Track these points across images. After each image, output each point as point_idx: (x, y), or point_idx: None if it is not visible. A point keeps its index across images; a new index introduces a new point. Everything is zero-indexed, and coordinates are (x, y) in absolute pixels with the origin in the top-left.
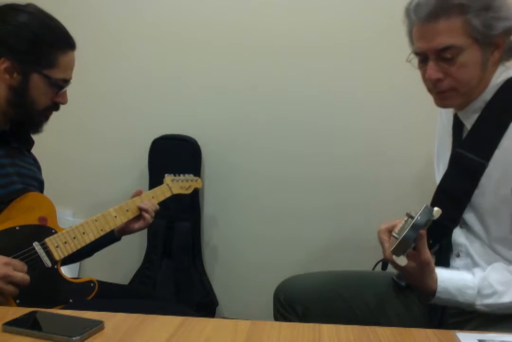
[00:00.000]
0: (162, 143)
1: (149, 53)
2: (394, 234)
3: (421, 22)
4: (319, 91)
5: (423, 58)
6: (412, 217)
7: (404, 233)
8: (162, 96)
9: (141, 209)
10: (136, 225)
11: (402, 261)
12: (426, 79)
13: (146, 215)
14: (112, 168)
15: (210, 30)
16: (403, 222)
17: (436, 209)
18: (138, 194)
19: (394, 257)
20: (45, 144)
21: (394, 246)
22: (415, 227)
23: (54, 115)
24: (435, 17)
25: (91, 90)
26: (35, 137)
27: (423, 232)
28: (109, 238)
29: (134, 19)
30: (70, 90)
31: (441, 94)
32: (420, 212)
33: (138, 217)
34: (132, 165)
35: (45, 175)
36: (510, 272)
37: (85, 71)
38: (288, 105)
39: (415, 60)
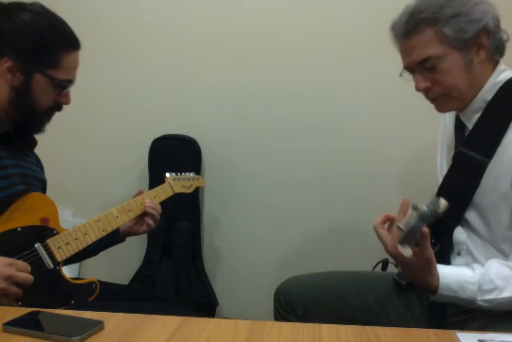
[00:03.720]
0: (162, 143)
1: (149, 53)
2: (399, 225)
3: (399, 40)
4: (319, 91)
5: (411, 71)
6: (417, 209)
7: (412, 224)
8: (162, 96)
9: (147, 207)
10: (142, 228)
11: (407, 252)
12: (417, 90)
13: (152, 212)
14: (112, 168)
15: (210, 30)
16: (408, 214)
17: (443, 201)
18: (140, 194)
19: (400, 247)
20: (45, 144)
21: (401, 236)
22: (422, 218)
23: (54, 115)
24: (408, 34)
25: (91, 90)
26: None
27: (426, 230)
28: (115, 239)
29: (134, 19)
30: (70, 90)
31: (435, 101)
32: (427, 203)
33: (142, 219)
34: (132, 165)
35: (45, 175)
36: (508, 267)
37: (85, 71)
38: (288, 105)
39: (407, 74)
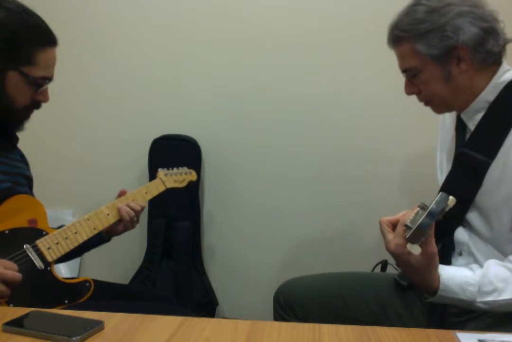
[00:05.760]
0: (162, 143)
1: (149, 53)
2: (407, 223)
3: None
4: (319, 91)
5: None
6: (424, 207)
7: (421, 220)
8: (162, 96)
9: (119, 210)
10: (120, 227)
11: (416, 250)
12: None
13: (125, 217)
14: (112, 168)
15: (210, 30)
16: (413, 213)
17: (451, 197)
18: (122, 194)
19: (408, 245)
20: (45, 144)
21: (410, 234)
22: (431, 214)
23: (53, 115)
24: (391, 44)
25: (91, 91)
26: (34, 136)
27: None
28: (98, 239)
29: (134, 19)
30: (70, 90)
31: (426, 104)
32: (435, 199)
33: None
34: (132, 165)
35: (45, 175)
36: (506, 268)
37: (85, 71)
38: (288, 105)
39: None
